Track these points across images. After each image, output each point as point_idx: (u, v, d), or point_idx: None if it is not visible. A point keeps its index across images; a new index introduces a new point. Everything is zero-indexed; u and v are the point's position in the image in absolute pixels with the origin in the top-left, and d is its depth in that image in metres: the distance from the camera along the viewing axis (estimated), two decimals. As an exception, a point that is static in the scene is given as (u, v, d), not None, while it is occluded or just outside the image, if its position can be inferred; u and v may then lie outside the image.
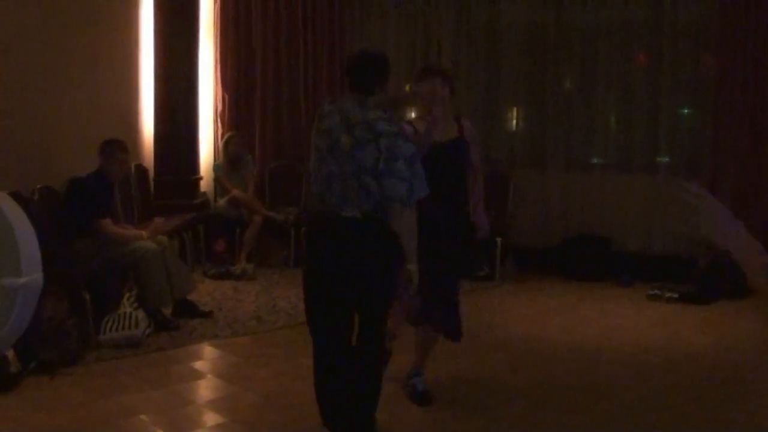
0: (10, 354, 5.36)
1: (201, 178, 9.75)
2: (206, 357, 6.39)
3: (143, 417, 5.04)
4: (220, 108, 10.11)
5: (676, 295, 8.21)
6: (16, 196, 5.01)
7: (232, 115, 10.09)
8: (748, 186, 8.60)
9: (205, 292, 8.10)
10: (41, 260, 3.77)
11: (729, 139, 8.67)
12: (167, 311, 6.93)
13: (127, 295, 6.44)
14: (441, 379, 5.71)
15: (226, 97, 10.07)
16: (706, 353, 6.56)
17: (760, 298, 8.18)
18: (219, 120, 10.12)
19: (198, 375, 5.90)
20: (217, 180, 9.65)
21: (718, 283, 8.35)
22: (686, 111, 9.57)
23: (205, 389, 5.71)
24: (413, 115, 5.24)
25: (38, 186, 6.77)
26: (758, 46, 8.44)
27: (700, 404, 5.38)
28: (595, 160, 9.81)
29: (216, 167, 9.66)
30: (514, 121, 9.98)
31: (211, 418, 5.14)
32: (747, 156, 8.58)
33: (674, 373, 6.06)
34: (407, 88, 5.10)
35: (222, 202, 9.50)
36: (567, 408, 5.22)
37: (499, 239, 8.92)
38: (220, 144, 9.84)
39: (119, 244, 6.74)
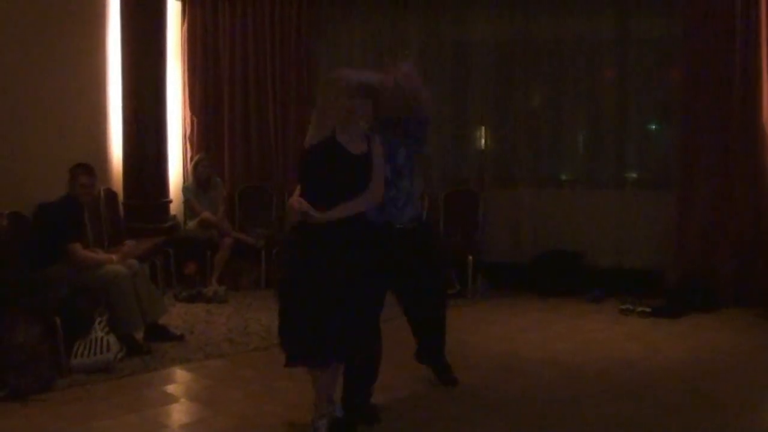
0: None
1: (170, 201, 9.70)
2: (179, 380, 6.34)
3: (117, 442, 4.99)
4: (188, 131, 10.10)
5: (648, 309, 8.24)
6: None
7: (201, 138, 10.08)
8: (718, 200, 8.65)
9: (177, 315, 8.06)
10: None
11: (698, 153, 8.71)
12: (139, 335, 6.89)
13: (98, 319, 6.37)
14: (417, 396, 5.76)
15: (195, 119, 10.06)
16: (682, 366, 6.58)
17: (728, 312, 8.27)
18: (188, 142, 10.11)
19: (171, 399, 5.84)
20: (186, 202, 9.60)
21: (687, 297, 8.42)
22: (654, 126, 9.65)
23: (179, 413, 5.64)
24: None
25: (7, 212, 6.72)
26: (723, 59, 8.51)
27: (678, 417, 5.39)
28: (564, 177, 9.86)
29: (185, 189, 9.62)
30: (483, 140, 10.01)
31: (186, 442, 5.10)
32: (716, 170, 8.63)
33: (651, 386, 6.05)
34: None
35: (192, 224, 9.46)
36: (543, 423, 5.21)
37: (470, 257, 8.97)
38: (190, 166, 9.81)
39: (90, 268, 6.68)
